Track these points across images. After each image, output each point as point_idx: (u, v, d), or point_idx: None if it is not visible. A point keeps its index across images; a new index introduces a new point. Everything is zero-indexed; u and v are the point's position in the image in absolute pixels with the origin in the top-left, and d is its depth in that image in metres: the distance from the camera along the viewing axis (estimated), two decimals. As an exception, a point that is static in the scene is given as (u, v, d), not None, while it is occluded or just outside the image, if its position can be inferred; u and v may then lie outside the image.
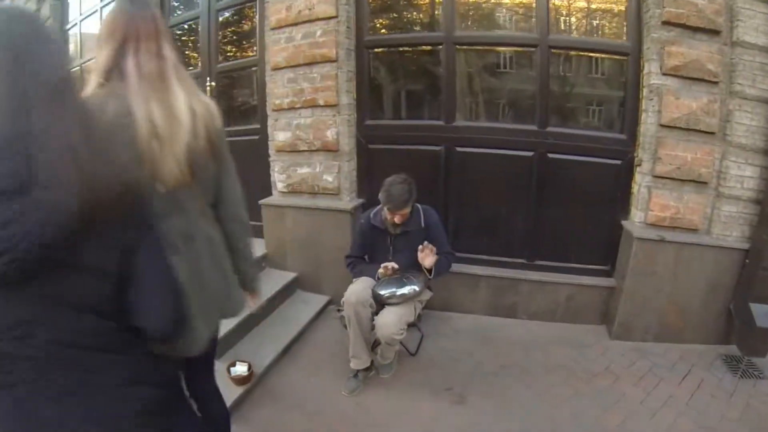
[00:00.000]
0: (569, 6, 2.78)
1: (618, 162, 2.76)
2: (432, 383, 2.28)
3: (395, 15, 2.86)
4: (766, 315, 2.58)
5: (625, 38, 2.64)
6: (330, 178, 2.85)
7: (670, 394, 2.28)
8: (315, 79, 2.70)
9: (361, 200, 2.94)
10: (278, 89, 2.81)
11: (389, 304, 2.08)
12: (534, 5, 2.64)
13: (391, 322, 2.04)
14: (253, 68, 3.11)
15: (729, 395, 2.29)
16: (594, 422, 2.06)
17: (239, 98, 3.39)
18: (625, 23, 2.64)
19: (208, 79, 3.20)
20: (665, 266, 2.63)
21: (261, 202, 2.95)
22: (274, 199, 2.99)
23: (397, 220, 2.18)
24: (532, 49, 2.70)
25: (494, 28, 2.82)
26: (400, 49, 2.88)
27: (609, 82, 2.84)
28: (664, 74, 2.50)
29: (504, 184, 2.84)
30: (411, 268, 2.20)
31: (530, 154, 2.82)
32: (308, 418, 2.01)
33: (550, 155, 2.80)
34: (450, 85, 2.79)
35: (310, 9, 2.62)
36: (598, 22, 2.81)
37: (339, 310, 2.27)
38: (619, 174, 2.77)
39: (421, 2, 2.96)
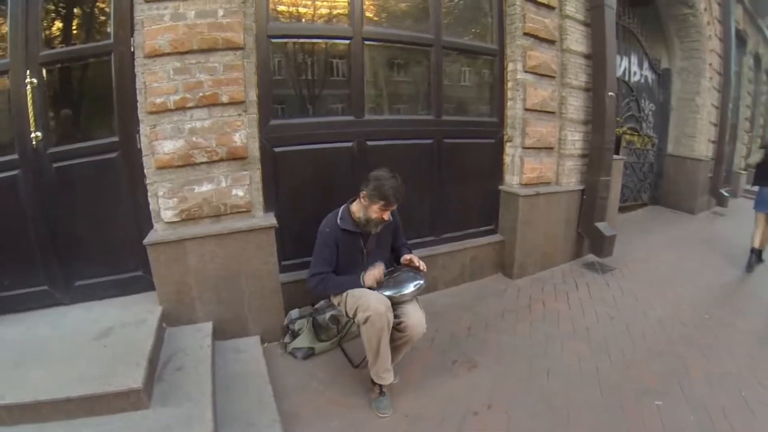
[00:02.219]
0: (455, 11, 3.21)
1: (492, 140, 3.41)
2: (429, 362, 2.37)
3: (300, 4, 2.54)
4: (607, 228, 3.90)
5: (493, 43, 3.23)
6: (241, 193, 2.31)
7: (578, 297, 3.26)
8: (216, 69, 2.11)
9: (271, 214, 2.51)
10: (160, 84, 2.05)
11: (403, 303, 2.02)
12: (429, 9, 2.92)
13: (422, 318, 2.02)
14: (105, 57, 2.14)
15: (606, 284, 3.51)
16: (562, 331, 2.76)
17: (83, 100, 2.32)
18: (492, 32, 3.25)
19: (27, 73, 2.03)
20: (540, 213, 3.51)
21: (146, 242, 2.12)
22: (164, 234, 2.18)
23: (385, 217, 2.06)
24: (429, 48, 2.96)
25: (396, 27, 2.93)
26: (307, 41, 2.61)
27: (482, 77, 3.38)
28: (525, 71, 3.20)
29: (411, 171, 2.97)
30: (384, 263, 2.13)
31: (430, 141, 3.12)
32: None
33: (446, 141, 3.17)
34: (359, 81, 2.73)
35: None
36: (474, 29, 3.32)
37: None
38: (494, 150, 3.44)
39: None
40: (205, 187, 2.23)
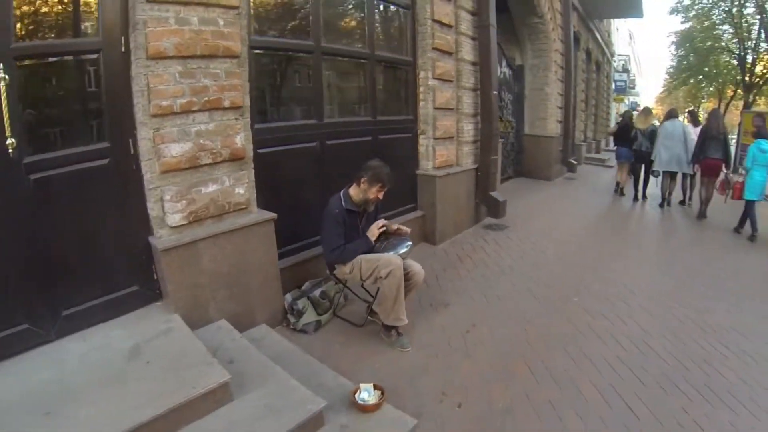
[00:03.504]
0: (382, 31, 3.85)
1: (410, 134, 4.20)
2: (412, 309, 2.80)
3: (273, 20, 2.80)
4: (499, 195, 5.05)
5: (406, 53, 3.99)
6: (242, 191, 2.47)
7: (492, 249, 4.31)
8: (219, 75, 2.22)
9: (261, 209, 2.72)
10: (166, 86, 2.05)
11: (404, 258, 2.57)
12: (366, 29, 3.56)
13: (421, 268, 2.67)
14: (91, 55, 1.99)
15: (508, 238, 4.65)
16: (493, 272, 3.78)
17: (65, 102, 2.06)
18: (408, 47, 4.02)
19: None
20: (450, 189, 4.43)
21: (162, 247, 2.10)
22: (177, 237, 2.18)
23: (380, 196, 2.59)
24: (366, 61, 3.56)
25: (342, 41, 3.44)
26: (277, 53, 2.92)
27: (401, 83, 4.09)
28: (434, 78, 4.02)
29: (357, 164, 3.47)
30: None
31: (370, 138, 3.71)
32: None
33: (380, 137, 3.81)
34: (319, 89, 3.16)
35: None
36: (395, 45, 4.00)
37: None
38: (411, 142, 4.23)
39: (296, 12, 3.09)
40: (212, 188, 2.33)
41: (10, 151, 1.83)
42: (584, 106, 12.33)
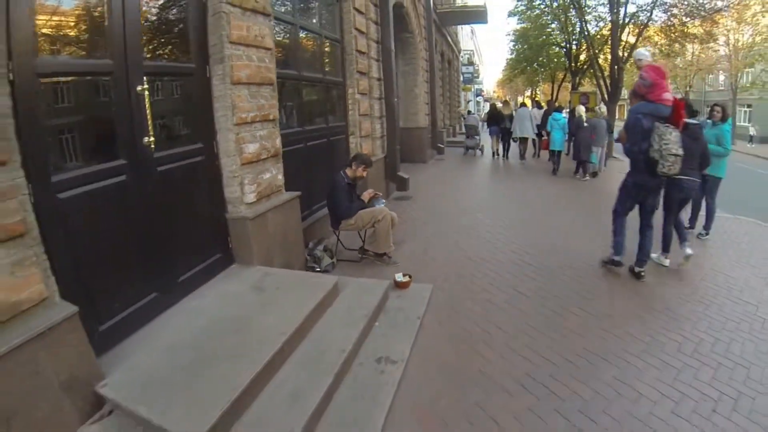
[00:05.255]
0: (325, 59, 5.11)
1: (344, 135, 5.65)
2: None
3: (280, 58, 3.85)
4: (404, 173, 6.92)
5: (340, 76, 5.41)
6: (280, 177, 3.60)
7: (409, 214, 6.08)
8: (266, 96, 3.30)
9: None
10: (243, 103, 3.04)
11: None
12: (317, 58, 4.84)
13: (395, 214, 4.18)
14: (191, 75, 2.81)
15: (416, 204, 6.53)
16: (419, 225, 5.43)
17: (173, 111, 2.82)
18: (340, 70, 5.42)
19: (144, 79, 2.44)
20: (372, 172, 6.01)
21: (248, 215, 3.11)
22: (250, 210, 3.18)
23: (365, 174, 4.06)
24: (319, 83, 4.88)
25: (310, 70, 4.69)
26: (286, 80, 4.10)
27: (336, 97, 5.50)
28: (358, 93, 5.58)
29: (321, 158, 4.86)
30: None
31: (324, 140, 5.06)
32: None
33: (330, 138, 5.19)
34: (302, 104, 4.48)
35: (262, 37, 3.25)
36: (332, 69, 5.33)
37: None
38: (345, 140, 5.67)
39: (288, 52, 3.99)
40: (267, 175, 3.40)
41: (152, 147, 2.55)
42: (441, 99, 15.49)
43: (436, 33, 13.30)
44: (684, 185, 3.86)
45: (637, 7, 13.71)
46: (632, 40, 13.45)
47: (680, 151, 3.39)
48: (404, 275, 3.52)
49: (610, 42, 13.04)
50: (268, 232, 3.37)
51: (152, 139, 2.56)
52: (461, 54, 24.83)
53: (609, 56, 13.54)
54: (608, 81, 12.62)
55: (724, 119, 4.74)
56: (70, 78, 2.20)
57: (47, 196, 2.00)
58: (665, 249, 4.14)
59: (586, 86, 19.38)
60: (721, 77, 28.15)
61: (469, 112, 17.38)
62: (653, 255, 4.07)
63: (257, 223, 3.24)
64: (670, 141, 3.38)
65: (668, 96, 3.56)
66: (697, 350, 2.76)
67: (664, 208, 4.08)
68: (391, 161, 6.67)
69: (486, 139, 13.34)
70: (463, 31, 27.67)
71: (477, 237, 4.97)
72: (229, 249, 3.31)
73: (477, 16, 15.60)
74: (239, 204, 3.22)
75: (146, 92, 2.50)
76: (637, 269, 3.82)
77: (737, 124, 24.43)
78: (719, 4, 12.32)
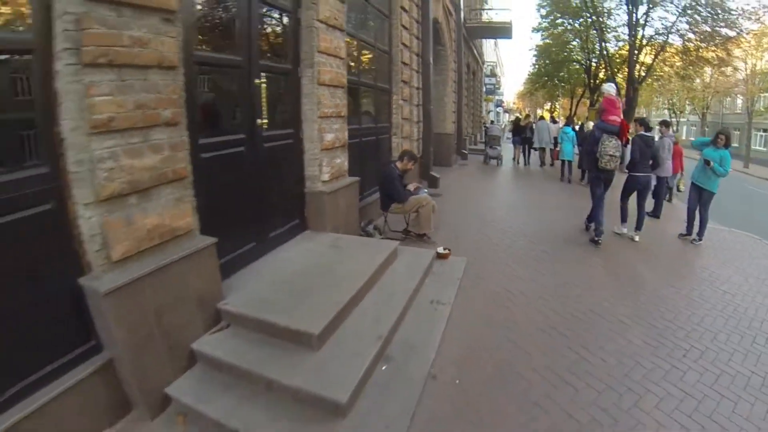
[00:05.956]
0: (374, 69, 5.90)
1: (388, 135, 6.43)
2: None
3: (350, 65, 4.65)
4: (435, 173, 8.22)
5: (386, 83, 6.21)
6: (346, 163, 4.40)
7: (442, 206, 6.83)
8: (340, 97, 4.12)
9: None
10: (326, 101, 3.85)
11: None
12: (374, 70, 5.59)
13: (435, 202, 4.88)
14: (288, 75, 3.61)
15: (446, 199, 7.21)
16: (456, 216, 6.26)
17: (274, 100, 3.54)
18: (388, 79, 6.22)
19: (261, 74, 3.27)
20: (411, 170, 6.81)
21: (325, 190, 3.90)
22: (326, 187, 3.96)
23: (412, 167, 4.80)
24: (371, 89, 5.65)
25: (367, 78, 5.52)
26: (354, 86, 4.77)
27: (383, 102, 6.30)
28: (401, 100, 6.36)
29: (372, 153, 5.65)
30: None
31: (374, 138, 5.84)
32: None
33: (379, 137, 5.98)
34: (359, 107, 5.18)
35: (339, 48, 4.06)
36: (379, 77, 6.13)
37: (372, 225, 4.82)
38: (389, 140, 6.45)
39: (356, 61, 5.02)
40: (338, 161, 4.18)
41: (264, 127, 3.37)
42: (466, 108, 16.32)
43: (463, 45, 14.14)
44: (640, 179, 5.32)
45: (655, 30, 14.40)
46: (649, 60, 14.08)
47: (615, 153, 4.93)
48: (444, 248, 4.28)
49: (627, 63, 13.69)
50: (338, 206, 4.15)
51: (265, 120, 3.37)
52: (484, 65, 25.69)
53: (626, 75, 14.16)
54: (623, 100, 13.27)
55: (726, 145, 5.47)
56: (213, 67, 2.97)
57: (196, 155, 2.66)
58: (623, 220, 5.69)
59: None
60: (739, 101, 28.47)
61: (492, 122, 18.18)
62: (617, 228, 5.72)
63: (331, 197, 4.01)
64: (607, 146, 4.93)
65: (615, 118, 5.10)
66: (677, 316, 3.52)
67: (622, 195, 5.62)
68: (425, 161, 7.45)
69: (507, 149, 14.23)
70: (487, 43, 28.48)
71: (497, 227, 5.80)
72: (304, 217, 4.08)
73: (502, 31, 16.48)
74: (317, 181, 4.00)
75: (262, 84, 3.32)
76: (596, 238, 5.22)
77: (752, 147, 24.73)
78: (732, 33, 12.90)
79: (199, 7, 2.86)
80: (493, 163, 13.22)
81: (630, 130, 5.55)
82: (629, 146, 5.18)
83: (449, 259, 4.23)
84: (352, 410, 2.22)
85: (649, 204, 6.28)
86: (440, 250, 4.24)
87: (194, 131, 2.63)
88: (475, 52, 18.45)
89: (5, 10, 1.88)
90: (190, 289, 2.47)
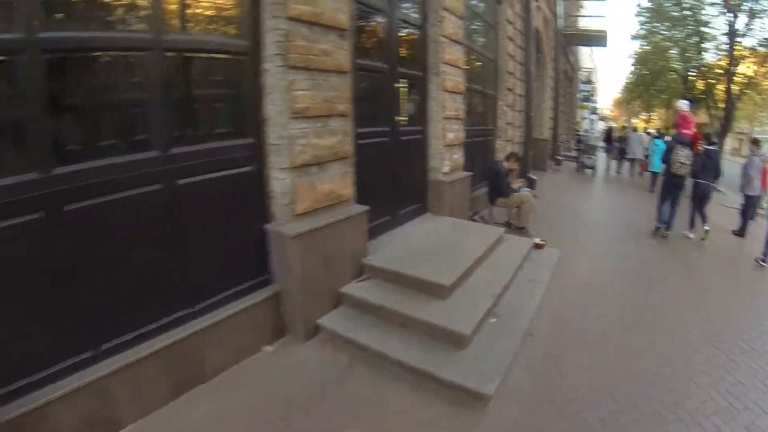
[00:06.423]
0: (483, 74, 6.39)
1: (492, 137, 6.85)
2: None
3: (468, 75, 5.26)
4: (533, 174, 8.50)
5: (492, 90, 6.64)
6: (463, 159, 5.01)
7: (540, 204, 7.05)
8: (459, 102, 4.78)
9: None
10: (449, 104, 4.54)
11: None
12: (482, 77, 6.07)
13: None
14: (418, 80, 4.35)
15: (542, 199, 7.28)
16: (561, 212, 6.61)
17: (411, 103, 4.30)
18: (495, 86, 6.65)
19: (400, 80, 4.01)
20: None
21: (445, 180, 4.53)
22: (446, 177, 4.59)
23: (516, 167, 5.20)
24: (479, 95, 6.10)
25: (475, 84, 6.03)
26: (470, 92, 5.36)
27: (489, 107, 6.72)
28: (506, 106, 6.73)
29: (480, 153, 6.05)
30: None
31: (482, 139, 6.24)
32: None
33: (485, 138, 6.38)
34: (479, 111, 5.66)
35: (459, 60, 4.71)
36: (489, 84, 6.61)
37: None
38: (492, 142, 6.89)
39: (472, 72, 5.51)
40: (456, 156, 4.81)
41: (401, 123, 4.07)
42: (562, 114, 16.01)
43: (560, 52, 13.96)
44: (701, 186, 5.93)
45: (758, 41, 12.93)
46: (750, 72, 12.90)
47: (685, 161, 5.60)
48: (541, 240, 4.62)
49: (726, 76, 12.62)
50: (454, 195, 4.75)
51: (403, 118, 4.10)
52: (580, 72, 24.65)
53: (725, 88, 13.08)
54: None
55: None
56: (368, 73, 3.69)
57: (355, 140, 3.31)
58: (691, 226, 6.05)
59: (701, 116, 18.92)
60: None
61: (586, 131, 17.45)
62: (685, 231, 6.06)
63: (449, 186, 4.64)
64: (679, 155, 5.62)
65: (687, 132, 6.21)
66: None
67: (691, 200, 6.12)
68: (524, 164, 7.64)
69: (601, 157, 13.80)
70: (583, 50, 27.59)
71: (588, 226, 6.15)
72: (426, 201, 4.71)
73: (598, 40, 16.06)
74: (438, 172, 4.65)
75: (401, 88, 4.03)
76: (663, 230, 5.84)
77: None
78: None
79: (359, 25, 3.61)
80: (588, 172, 12.65)
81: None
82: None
83: (545, 249, 4.56)
84: (469, 345, 2.70)
85: (735, 222, 6.71)
86: (537, 240, 4.57)
87: (355, 122, 3.32)
88: (571, 58, 17.92)
89: (230, 25, 2.69)
90: (346, 244, 3.16)
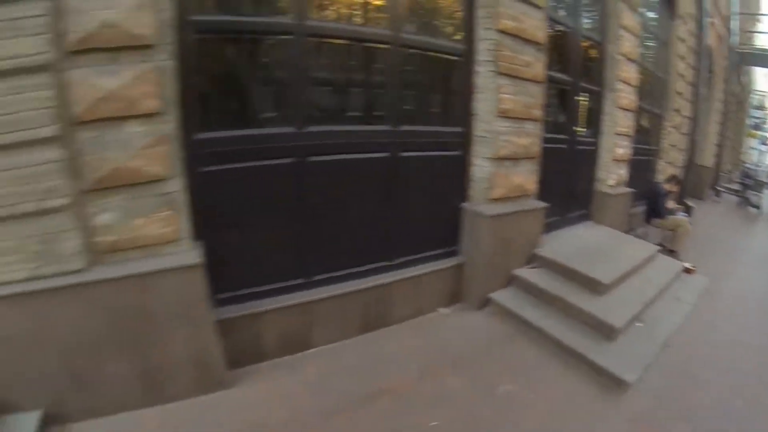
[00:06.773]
0: (648, 87, 6.32)
1: (654, 158, 6.64)
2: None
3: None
4: (690, 201, 7.94)
5: (659, 109, 6.43)
6: (626, 175, 5.15)
7: (695, 231, 6.71)
8: (631, 119, 5.00)
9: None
10: (621, 121, 4.80)
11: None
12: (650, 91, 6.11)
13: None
14: (595, 95, 4.66)
15: (696, 225, 7.10)
16: (706, 236, 6.42)
17: (588, 116, 4.63)
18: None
19: (581, 94, 4.41)
20: None
21: (609, 192, 4.80)
22: (611, 190, 4.85)
23: (677, 190, 5.15)
24: (649, 114, 6.06)
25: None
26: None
27: (654, 126, 6.53)
28: (670, 126, 6.44)
29: (640, 171, 5.94)
30: None
31: (646, 158, 6.11)
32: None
33: (649, 157, 6.21)
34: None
35: (633, 78, 4.96)
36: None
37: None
38: (654, 162, 6.64)
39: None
40: (622, 171, 5.02)
41: (578, 133, 4.45)
42: (728, 141, 14.18)
43: (732, 72, 12.40)
44: None
45: None
46: None
47: None
48: (692, 265, 4.52)
49: None
50: (616, 208, 4.95)
51: (580, 129, 4.49)
52: (752, 96, 21.12)
53: None
54: None
55: None
56: (556, 84, 4.08)
57: (542, 143, 3.77)
58: None
59: None
60: None
61: (756, 165, 14.96)
62: None
63: (613, 199, 4.86)
64: None
65: None
66: None
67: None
68: (683, 188, 7.17)
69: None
70: (757, 71, 23.63)
71: (740, 261, 5.56)
72: (589, 210, 4.96)
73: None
74: (604, 184, 4.90)
75: (581, 101, 4.38)
76: None
77: None
78: None
79: (550, 39, 3.97)
80: (752, 210, 10.78)
81: None
82: None
83: (694, 275, 4.45)
84: (617, 339, 2.98)
85: None
86: (688, 265, 4.48)
87: (543, 127, 3.80)
88: (742, 79, 15.56)
89: (451, 31, 3.27)
90: (524, 233, 3.63)
